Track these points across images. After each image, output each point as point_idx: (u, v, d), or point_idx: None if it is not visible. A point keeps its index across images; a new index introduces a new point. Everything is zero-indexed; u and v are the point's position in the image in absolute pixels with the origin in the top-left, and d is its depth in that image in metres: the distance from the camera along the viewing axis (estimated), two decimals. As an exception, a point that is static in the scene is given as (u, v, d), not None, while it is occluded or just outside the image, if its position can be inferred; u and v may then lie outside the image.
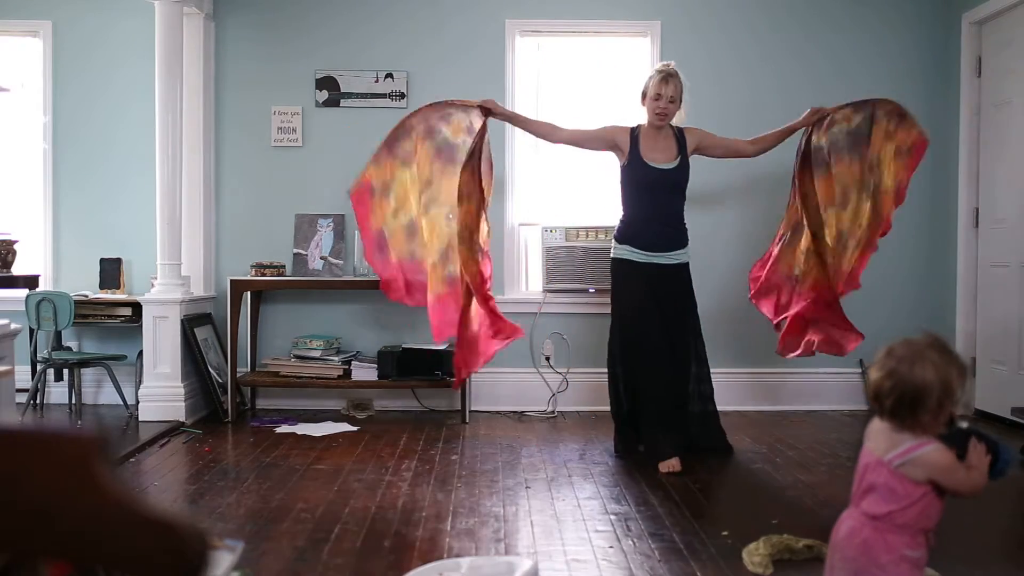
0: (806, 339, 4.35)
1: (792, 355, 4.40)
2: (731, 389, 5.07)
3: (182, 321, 4.78)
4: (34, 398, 4.93)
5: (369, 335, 5.26)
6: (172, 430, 4.56)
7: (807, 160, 4.33)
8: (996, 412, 4.82)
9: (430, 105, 4.32)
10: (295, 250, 5.20)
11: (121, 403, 4.96)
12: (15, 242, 4.56)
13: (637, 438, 4.07)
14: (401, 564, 2.65)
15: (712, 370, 4.27)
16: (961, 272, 5.08)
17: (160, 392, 4.74)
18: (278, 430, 4.64)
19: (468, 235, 4.19)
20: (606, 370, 4.17)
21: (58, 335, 4.91)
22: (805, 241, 4.37)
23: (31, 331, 4.86)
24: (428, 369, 4.95)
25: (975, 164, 5.05)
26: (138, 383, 4.89)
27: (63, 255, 5.29)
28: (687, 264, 4.11)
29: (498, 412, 5.16)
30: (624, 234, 4.08)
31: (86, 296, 5.05)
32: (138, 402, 4.82)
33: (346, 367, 5.01)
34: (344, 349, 5.19)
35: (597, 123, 4.28)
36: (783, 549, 2.71)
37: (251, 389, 5.23)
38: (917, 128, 4.34)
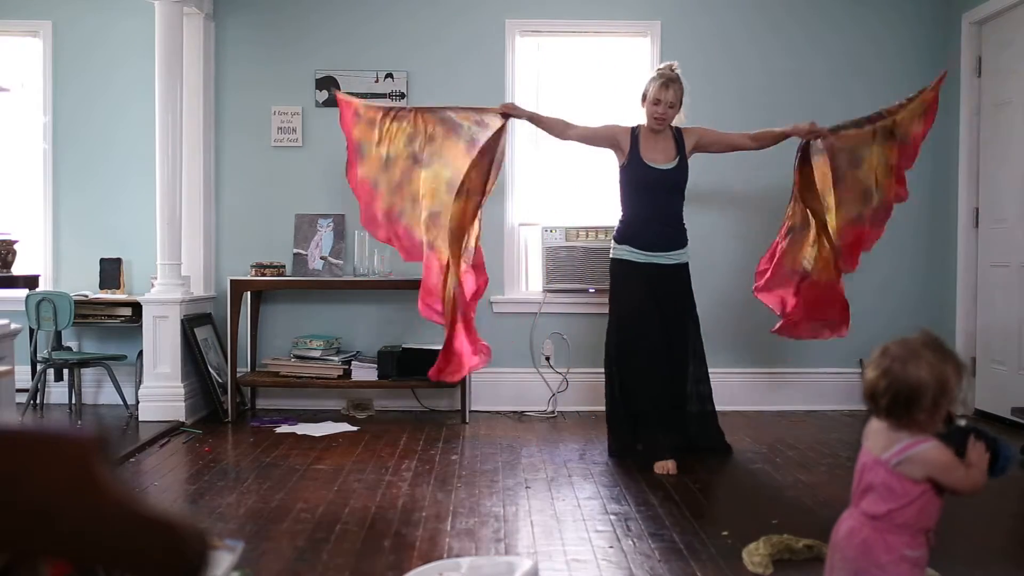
0: (806, 326, 4.39)
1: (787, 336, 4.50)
2: (731, 389, 5.07)
3: (182, 321, 4.78)
4: (34, 398, 4.94)
5: (369, 335, 5.26)
6: (172, 430, 4.56)
7: (807, 159, 4.31)
8: (996, 412, 4.82)
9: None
10: (295, 250, 5.20)
11: (121, 403, 4.97)
12: (15, 242, 4.56)
13: (633, 439, 4.05)
14: (401, 564, 2.65)
15: (712, 370, 4.27)
16: (961, 272, 5.08)
17: (160, 392, 4.74)
18: (278, 430, 4.64)
19: (460, 235, 4.13)
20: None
21: (58, 335, 4.91)
22: (813, 233, 4.35)
23: (31, 331, 4.86)
24: (428, 369, 4.93)
25: (975, 164, 5.05)
26: (138, 383, 4.89)
27: (63, 255, 5.29)
28: (687, 264, 4.11)
29: (498, 412, 5.16)
30: (623, 234, 4.08)
31: (86, 296, 5.05)
32: (138, 402, 4.82)
33: (346, 367, 5.01)
34: (344, 349, 5.19)
35: (599, 122, 4.28)
36: (783, 549, 2.71)
37: (251, 389, 5.23)
38: (924, 93, 4.37)
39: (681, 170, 4.08)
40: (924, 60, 5.29)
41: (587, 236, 5.13)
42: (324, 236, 5.20)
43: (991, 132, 4.96)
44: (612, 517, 3.18)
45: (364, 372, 4.97)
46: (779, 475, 3.77)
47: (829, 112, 5.19)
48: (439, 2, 5.27)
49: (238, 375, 5.00)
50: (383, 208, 4.28)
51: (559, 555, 2.77)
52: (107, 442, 0.99)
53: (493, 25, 5.25)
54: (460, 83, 5.12)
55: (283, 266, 5.13)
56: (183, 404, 4.75)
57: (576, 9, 5.24)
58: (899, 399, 1.71)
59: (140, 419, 4.71)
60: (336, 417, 4.98)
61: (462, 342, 4.14)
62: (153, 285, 4.87)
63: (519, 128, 5.02)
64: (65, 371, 5.02)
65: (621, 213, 4.14)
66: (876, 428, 1.81)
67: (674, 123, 4.11)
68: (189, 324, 4.83)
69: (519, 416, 5.09)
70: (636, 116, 4.19)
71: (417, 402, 5.25)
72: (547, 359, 5.25)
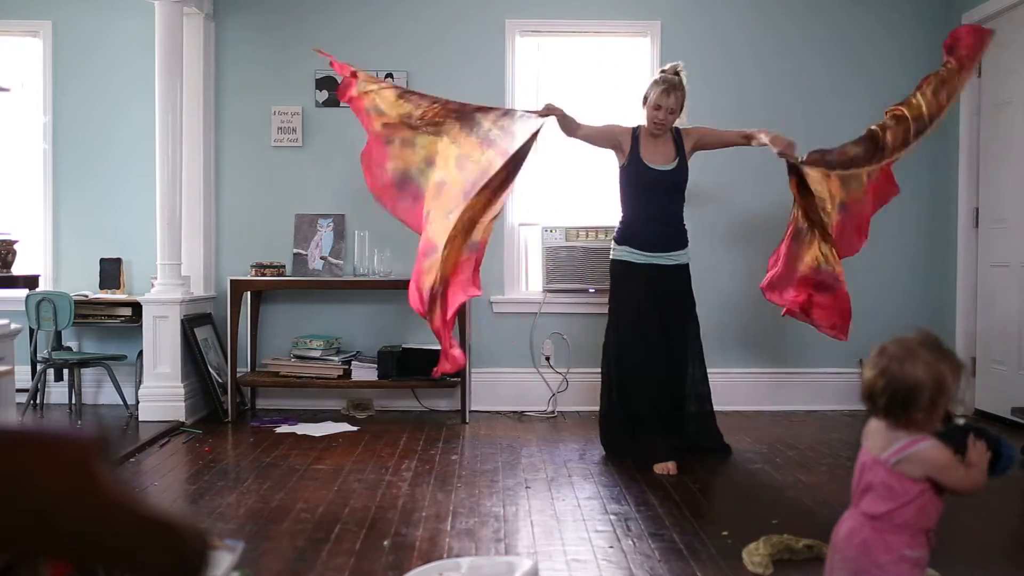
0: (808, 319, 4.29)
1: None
2: (731, 389, 5.07)
3: (182, 321, 4.78)
4: (34, 398, 4.94)
5: (369, 335, 5.26)
6: (172, 430, 4.56)
7: (794, 168, 4.20)
8: (996, 412, 4.81)
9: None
10: (295, 250, 5.20)
11: (121, 403, 4.97)
12: (15, 242, 4.56)
13: (630, 439, 4.03)
14: (401, 564, 2.65)
15: (712, 370, 4.27)
16: (961, 272, 5.08)
17: (160, 392, 4.74)
18: (278, 430, 4.64)
19: (469, 226, 3.88)
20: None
21: (58, 335, 4.91)
22: (816, 237, 4.26)
23: (31, 331, 4.86)
24: (428, 369, 4.92)
25: (975, 164, 5.05)
26: (138, 383, 4.89)
27: (63, 255, 5.29)
28: (687, 265, 4.11)
29: (498, 412, 5.16)
30: (623, 235, 4.08)
31: (86, 296, 5.05)
32: (138, 402, 4.82)
33: (346, 367, 5.01)
34: (344, 349, 5.19)
35: (600, 122, 4.26)
36: (783, 549, 2.71)
37: (251, 389, 5.23)
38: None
39: (681, 171, 4.08)
40: (924, 60, 5.28)
41: (587, 236, 5.14)
42: (324, 236, 5.20)
43: (991, 132, 4.96)
44: (612, 517, 3.18)
45: (364, 372, 4.97)
46: (779, 475, 3.77)
47: (829, 112, 5.22)
48: (439, 2, 5.27)
49: (238, 375, 5.00)
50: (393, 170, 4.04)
51: (559, 555, 2.77)
52: (107, 442, 0.99)
53: (493, 25, 5.25)
54: (460, 83, 5.12)
55: (283, 266, 5.13)
56: (183, 404, 4.75)
57: (576, 9, 5.24)
58: (896, 398, 1.72)
59: (140, 419, 4.71)
60: (336, 417, 4.98)
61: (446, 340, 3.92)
62: (153, 285, 4.87)
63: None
64: (65, 371, 5.03)
65: (621, 214, 4.14)
66: (875, 428, 1.81)
67: (674, 123, 4.10)
68: (189, 324, 4.83)
69: (519, 416, 5.09)
70: (636, 117, 4.18)
71: (417, 402, 5.25)
72: (547, 359, 5.25)
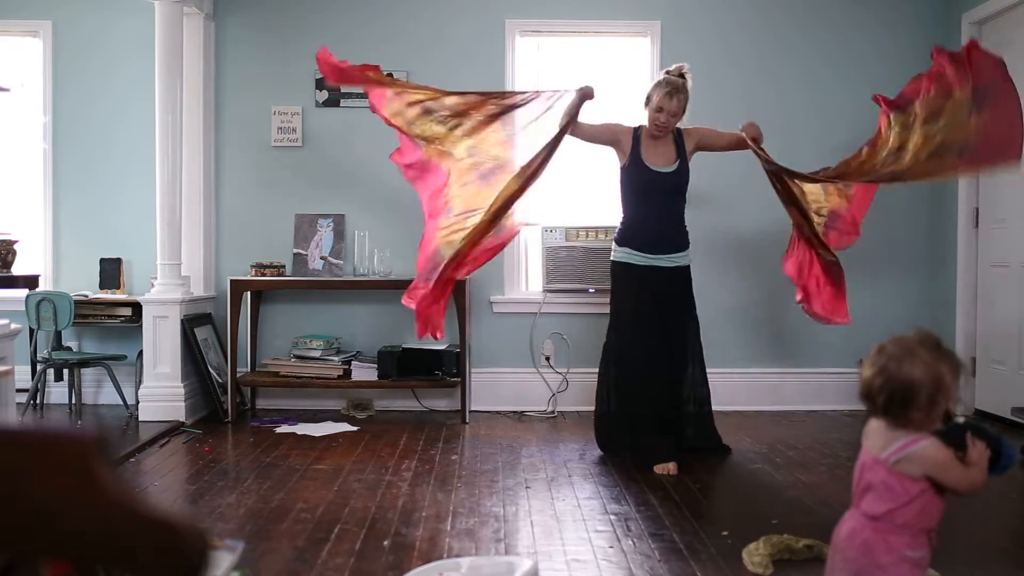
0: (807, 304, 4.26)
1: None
2: (731, 389, 5.07)
3: (182, 321, 4.78)
4: (34, 398, 4.94)
5: (369, 335, 5.26)
6: (172, 430, 4.56)
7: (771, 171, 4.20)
8: (996, 412, 4.81)
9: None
10: (295, 250, 5.20)
11: (121, 403, 4.96)
12: (15, 242, 4.56)
13: (626, 438, 4.02)
14: (401, 564, 2.65)
15: (713, 370, 4.27)
16: (961, 272, 5.08)
17: (160, 392, 4.74)
18: (278, 430, 4.64)
19: (501, 210, 3.95)
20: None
21: (58, 335, 4.91)
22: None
23: (31, 331, 4.86)
24: (428, 369, 4.95)
25: (975, 164, 5.04)
26: (138, 383, 4.89)
27: (63, 255, 5.29)
28: (688, 267, 4.10)
29: (498, 412, 5.16)
30: (624, 236, 4.07)
31: (86, 296, 5.05)
32: (138, 402, 4.82)
33: (346, 367, 5.01)
34: (344, 349, 5.19)
35: (600, 120, 4.24)
36: (783, 549, 2.71)
37: (251, 389, 5.23)
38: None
39: (682, 172, 4.08)
40: (924, 60, 5.26)
41: (587, 236, 5.14)
42: (324, 236, 5.20)
43: (991, 132, 4.95)
44: (612, 517, 3.18)
45: (364, 372, 4.97)
46: (779, 475, 3.77)
47: (828, 112, 5.22)
48: (439, 2, 5.27)
49: (238, 375, 5.00)
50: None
51: (559, 555, 2.77)
52: (107, 442, 0.99)
53: (493, 25, 5.25)
54: (460, 83, 5.08)
55: (283, 266, 5.13)
56: (183, 404, 4.75)
57: (576, 9, 5.24)
58: (895, 397, 1.72)
59: (140, 419, 4.71)
60: (336, 417, 4.98)
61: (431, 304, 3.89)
62: (153, 285, 4.87)
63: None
64: (65, 371, 5.02)
65: (622, 215, 4.14)
66: (875, 427, 1.81)
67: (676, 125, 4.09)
68: (189, 324, 4.83)
69: (519, 416, 5.09)
70: (636, 117, 4.18)
71: (417, 402, 5.25)
72: (547, 359, 5.25)
